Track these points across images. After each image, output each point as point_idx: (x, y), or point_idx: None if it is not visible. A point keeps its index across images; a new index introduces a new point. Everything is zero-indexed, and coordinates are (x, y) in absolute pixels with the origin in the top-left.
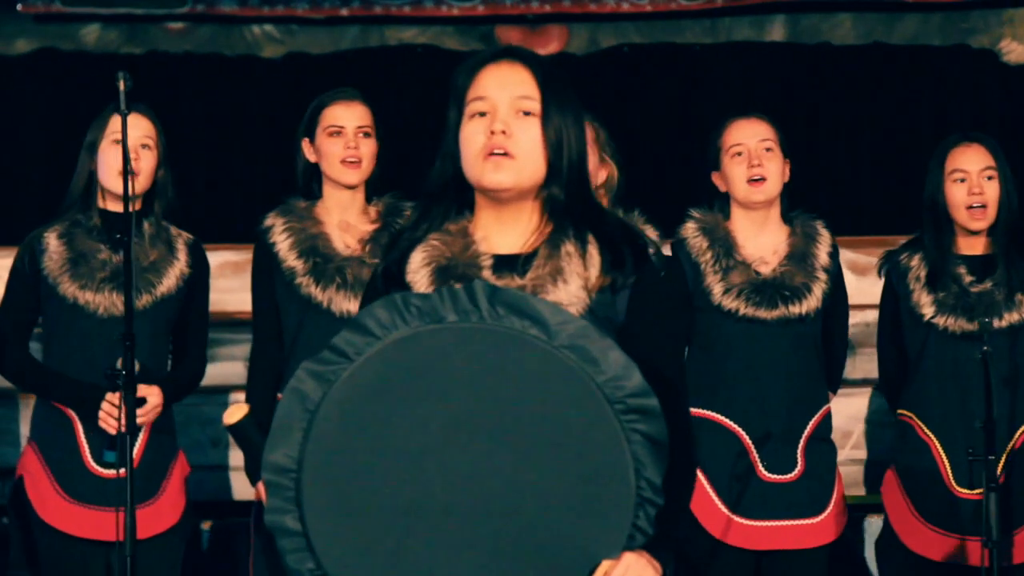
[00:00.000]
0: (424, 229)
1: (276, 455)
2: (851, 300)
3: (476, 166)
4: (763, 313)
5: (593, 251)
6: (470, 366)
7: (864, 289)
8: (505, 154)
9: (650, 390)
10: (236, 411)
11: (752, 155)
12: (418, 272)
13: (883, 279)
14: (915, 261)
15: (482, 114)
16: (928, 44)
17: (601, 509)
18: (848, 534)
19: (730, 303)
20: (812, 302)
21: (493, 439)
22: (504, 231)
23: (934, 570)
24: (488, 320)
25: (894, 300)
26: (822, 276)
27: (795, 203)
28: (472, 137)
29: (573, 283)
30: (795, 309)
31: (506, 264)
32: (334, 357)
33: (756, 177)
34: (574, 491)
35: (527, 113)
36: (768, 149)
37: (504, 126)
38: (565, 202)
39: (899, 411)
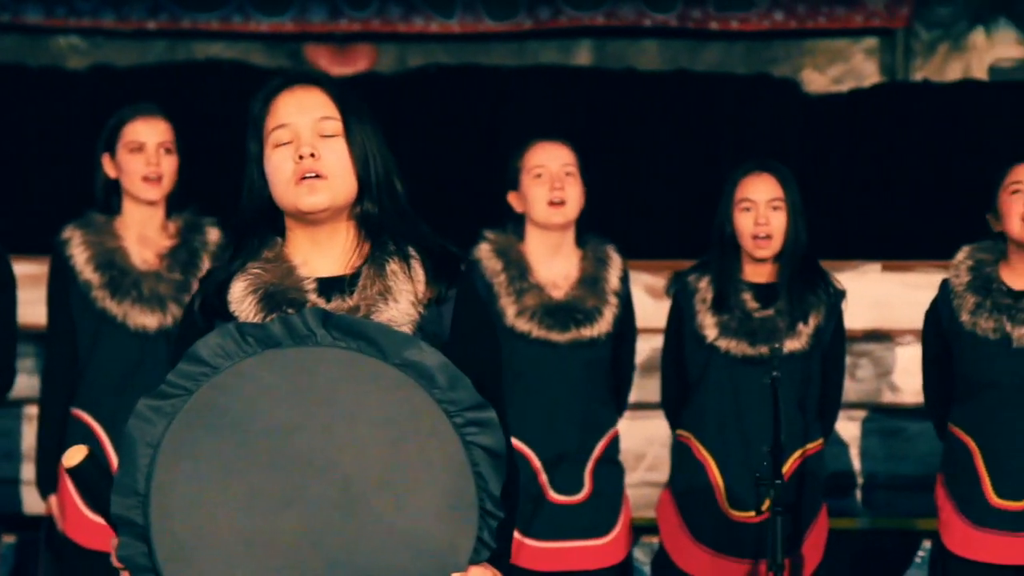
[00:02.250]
0: (241, 260)
1: (121, 493)
2: (649, 323)
3: (289, 192)
4: (555, 336)
5: (416, 265)
6: (309, 391)
7: (662, 312)
8: (317, 176)
9: (486, 403)
10: (75, 453)
11: (554, 178)
12: (242, 302)
13: (671, 299)
14: (703, 283)
15: (286, 142)
16: (731, 72)
17: (446, 524)
18: (636, 556)
19: (523, 325)
20: (603, 326)
21: (337, 462)
22: (322, 253)
23: None
24: (323, 344)
25: (679, 320)
26: (613, 300)
27: (597, 226)
28: (281, 165)
29: (403, 300)
30: (587, 332)
31: (331, 287)
32: (172, 390)
33: (556, 200)
34: (418, 508)
35: (330, 135)
36: (568, 173)
37: (311, 149)
38: (379, 217)
39: (678, 431)
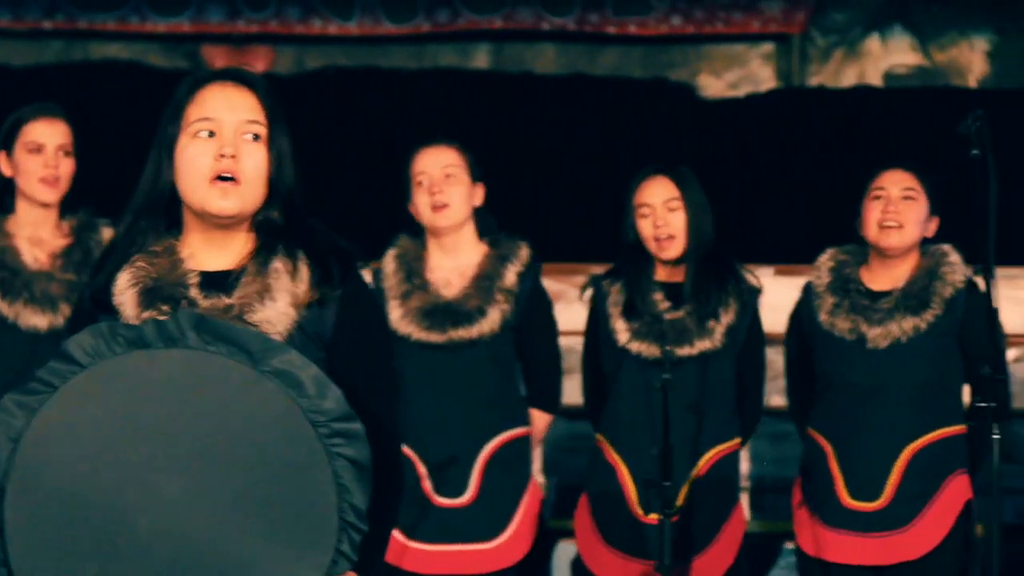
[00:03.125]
0: (130, 249)
1: None
2: None
3: (200, 189)
4: (434, 337)
5: (303, 267)
6: (175, 393)
7: (561, 315)
8: (233, 180)
9: (354, 414)
10: None
11: (433, 183)
12: (124, 294)
13: (588, 302)
14: (616, 287)
15: (208, 134)
16: (629, 76)
17: (305, 534)
18: (536, 558)
19: (404, 328)
20: (486, 325)
21: (196, 466)
22: (212, 250)
23: None
24: (194, 348)
25: (595, 323)
26: (501, 298)
27: (499, 227)
28: (197, 158)
29: (282, 300)
30: (465, 333)
31: (214, 283)
32: (39, 386)
33: (438, 204)
34: (278, 516)
35: (255, 137)
36: (449, 175)
37: (233, 150)
38: (280, 223)
39: (597, 435)
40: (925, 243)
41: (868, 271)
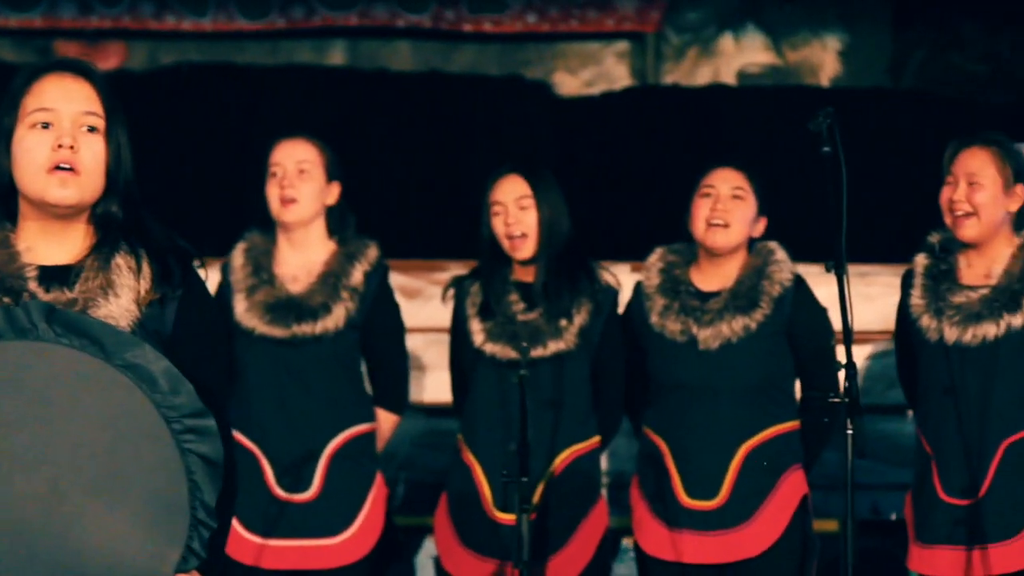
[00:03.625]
0: None
1: None
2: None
3: (39, 179)
4: (278, 332)
5: (145, 264)
6: (24, 386)
7: (412, 312)
8: (71, 170)
9: (207, 410)
10: None
11: (284, 176)
12: None
13: (454, 304)
14: (475, 287)
15: (45, 125)
16: (484, 74)
17: (156, 531)
18: (384, 554)
19: (249, 322)
20: (331, 322)
21: (46, 461)
22: (50, 242)
23: None
24: (45, 339)
25: (456, 324)
26: (347, 295)
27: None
28: (34, 149)
29: (124, 296)
30: (309, 328)
31: (54, 276)
32: None
33: (288, 198)
34: (128, 512)
35: (92, 129)
36: (303, 171)
37: (72, 141)
38: (118, 216)
39: (459, 434)
40: (753, 242)
41: (697, 270)
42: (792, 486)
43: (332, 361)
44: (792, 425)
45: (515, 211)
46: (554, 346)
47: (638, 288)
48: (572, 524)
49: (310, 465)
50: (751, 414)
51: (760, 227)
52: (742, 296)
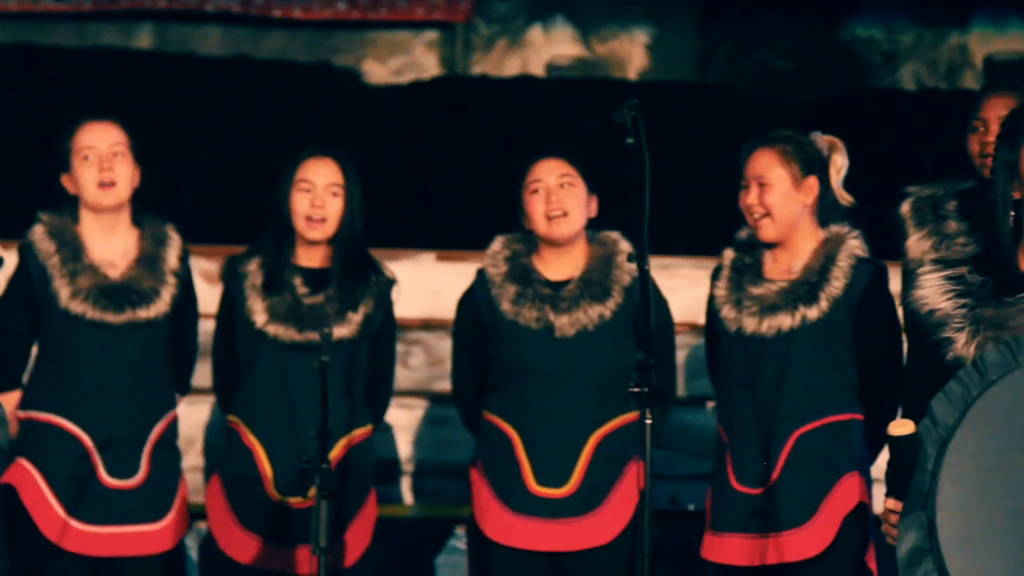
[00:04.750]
0: None
1: None
2: (204, 308)
3: None
4: (110, 317)
5: None
6: None
7: (214, 298)
8: None
9: None
10: None
11: (102, 159)
12: None
13: (224, 284)
14: (253, 267)
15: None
16: (293, 60)
17: None
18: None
19: (77, 307)
20: (161, 306)
21: None
22: None
23: None
24: None
25: (229, 305)
26: (171, 280)
27: (151, 209)
28: None
29: None
30: (143, 314)
31: None
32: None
33: (106, 181)
34: None
35: None
36: (117, 153)
37: None
38: None
39: (229, 417)
40: (592, 227)
41: (541, 260)
42: (636, 476)
43: (158, 345)
44: (638, 415)
45: (324, 195)
46: (339, 332)
47: (482, 276)
48: (350, 512)
49: (136, 451)
50: (603, 403)
51: (594, 206)
52: (595, 285)
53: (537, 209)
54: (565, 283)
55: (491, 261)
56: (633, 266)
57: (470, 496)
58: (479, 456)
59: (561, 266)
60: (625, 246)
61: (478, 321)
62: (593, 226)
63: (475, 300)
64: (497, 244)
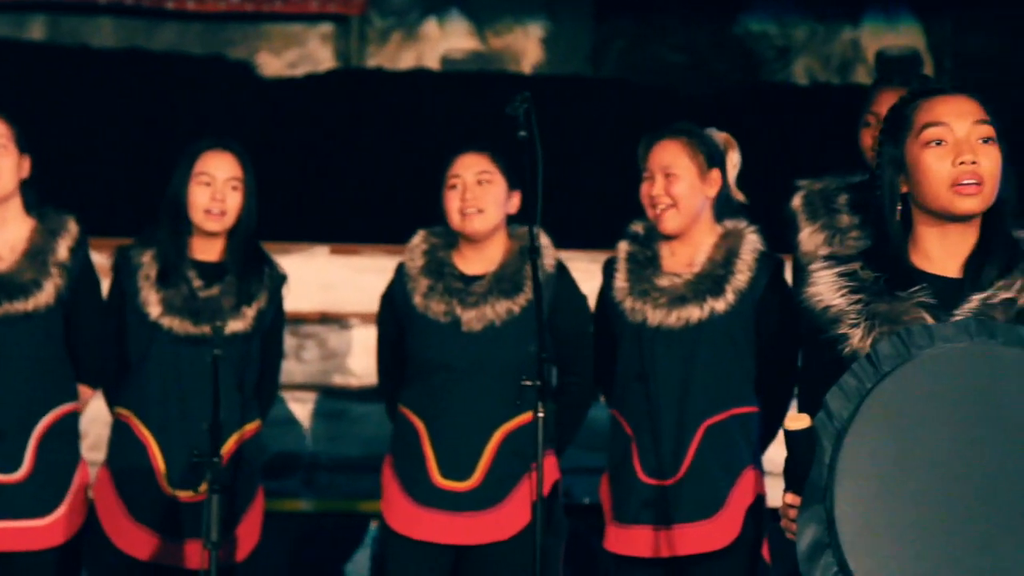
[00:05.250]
0: None
1: None
2: None
3: None
4: None
5: None
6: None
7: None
8: None
9: None
10: None
11: None
12: None
13: (114, 275)
14: (146, 259)
15: None
16: (187, 53)
17: None
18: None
19: None
20: (42, 298)
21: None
22: None
23: (142, 570)
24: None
25: (120, 297)
26: (56, 272)
27: (50, 201)
28: None
29: None
30: (20, 306)
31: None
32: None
33: None
34: None
35: None
36: (1, 145)
37: None
38: None
39: (118, 409)
40: (512, 221)
41: (459, 254)
42: (544, 471)
43: (43, 338)
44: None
45: (224, 188)
46: (233, 326)
47: (401, 269)
48: (241, 507)
49: (20, 444)
50: (509, 398)
51: (515, 202)
52: (506, 280)
53: (453, 205)
54: (479, 278)
55: (409, 255)
56: (548, 261)
57: (381, 488)
58: (391, 449)
59: (477, 261)
60: (545, 241)
61: (394, 315)
62: (519, 220)
63: (393, 293)
64: (417, 238)
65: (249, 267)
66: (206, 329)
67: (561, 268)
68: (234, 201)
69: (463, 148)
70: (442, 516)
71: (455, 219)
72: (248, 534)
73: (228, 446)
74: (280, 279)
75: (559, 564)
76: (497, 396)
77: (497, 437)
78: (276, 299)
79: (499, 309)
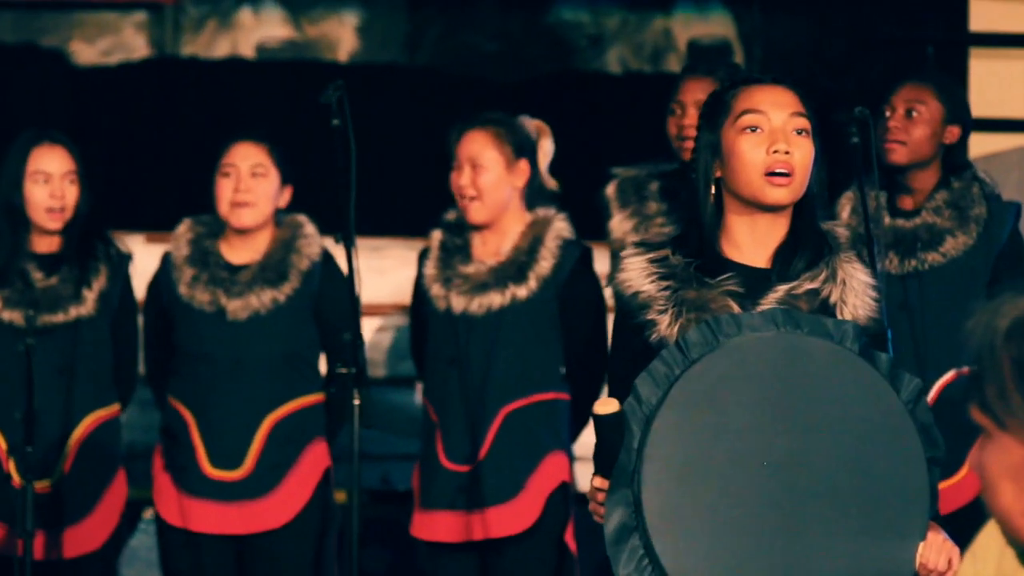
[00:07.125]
0: None
1: None
2: None
3: None
4: None
5: None
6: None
7: None
8: None
9: None
10: None
11: None
12: None
13: None
14: None
15: None
16: None
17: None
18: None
19: None
20: None
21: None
22: None
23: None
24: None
25: None
26: None
27: None
28: None
29: None
30: None
31: None
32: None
33: None
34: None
35: None
36: None
37: None
38: None
39: None
40: (281, 213)
41: (226, 244)
42: (315, 458)
43: None
44: (317, 398)
45: (62, 184)
46: (75, 311)
47: (166, 259)
48: (95, 494)
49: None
50: (277, 386)
51: (286, 197)
52: (271, 269)
53: (224, 195)
54: (245, 267)
55: (175, 244)
56: (314, 250)
57: (149, 480)
58: (161, 439)
59: (244, 250)
60: (310, 229)
61: (160, 304)
62: (296, 207)
63: (158, 283)
64: (182, 227)
65: (84, 251)
66: (46, 319)
67: (327, 257)
68: (72, 196)
69: (240, 136)
70: (214, 506)
71: (224, 208)
72: (105, 520)
73: (80, 431)
74: (123, 258)
75: (333, 552)
76: (264, 384)
77: (266, 425)
78: (119, 279)
79: (264, 298)
